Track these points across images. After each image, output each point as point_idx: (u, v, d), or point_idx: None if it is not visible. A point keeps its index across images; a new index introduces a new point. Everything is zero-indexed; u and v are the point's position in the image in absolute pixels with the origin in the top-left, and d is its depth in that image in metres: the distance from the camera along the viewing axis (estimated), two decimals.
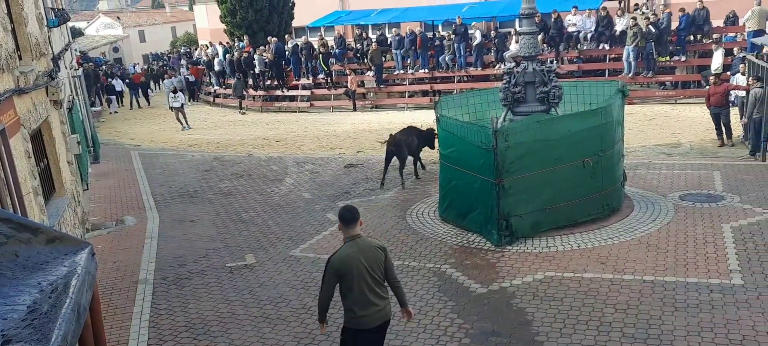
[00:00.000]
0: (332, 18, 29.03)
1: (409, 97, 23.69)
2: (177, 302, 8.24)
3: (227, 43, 30.25)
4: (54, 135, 10.29)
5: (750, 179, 11.07)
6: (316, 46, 25.60)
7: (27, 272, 2.87)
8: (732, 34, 20.21)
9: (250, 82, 26.78)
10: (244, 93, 26.19)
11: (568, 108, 10.39)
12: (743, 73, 14.51)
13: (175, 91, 24.07)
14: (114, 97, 30.92)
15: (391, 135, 12.56)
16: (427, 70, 23.45)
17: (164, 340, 7.28)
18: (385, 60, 24.68)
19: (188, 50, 38.06)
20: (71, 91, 15.80)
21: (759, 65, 12.63)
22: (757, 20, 18.25)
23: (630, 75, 19.52)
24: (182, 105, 23.75)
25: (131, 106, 30.81)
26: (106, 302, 8.11)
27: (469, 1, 26.73)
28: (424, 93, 23.34)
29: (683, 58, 19.95)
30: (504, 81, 10.22)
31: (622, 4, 24.34)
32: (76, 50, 28.38)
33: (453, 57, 22.82)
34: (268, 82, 26.60)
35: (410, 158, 12.78)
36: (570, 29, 21.55)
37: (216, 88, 29.68)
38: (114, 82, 31.85)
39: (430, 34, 24.81)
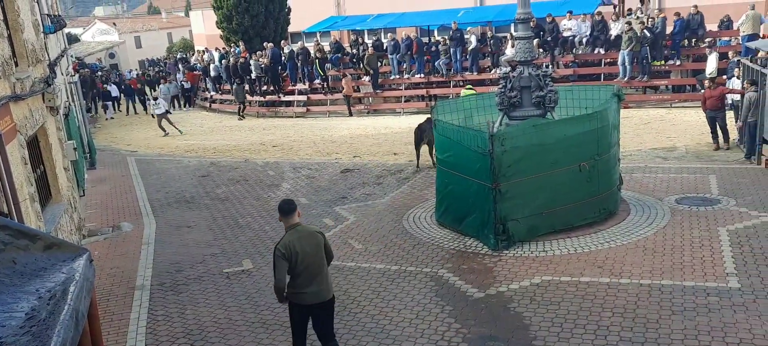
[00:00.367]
0: (328, 23, 29.09)
1: (405, 102, 23.75)
2: (174, 308, 8.22)
3: (223, 48, 30.24)
4: (50, 141, 10.27)
5: (745, 182, 11.11)
6: (312, 52, 25.63)
7: (25, 278, 2.86)
8: (726, 38, 20.30)
9: (247, 87, 26.79)
10: (245, 99, 26.21)
11: (563, 112, 10.40)
12: (738, 77, 14.58)
13: (155, 99, 24.14)
14: (110, 103, 30.94)
15: (418, 125, 14.27)
16: (422, 75, 23.51)
17: None
18: (381, 65, 24.73)
19: (184, 56, 38.01)
20: (67, 98, 15.78)
21: (753, 69, 12.70)
22: (752, 24, 18.37)
23: (625, 79, 19.61)
24: (166, 111, 23.78)
25: (127, 112, 30.80)
26: (102, 308, 8.08)
27: (464, 6, 26.80)
28: (421, 98, 23.38)
29: (678, 63, 20.05)
30: (500, 86, 10.24)
31: (617, 9, 24.45)
32: (72, 56, 28.35)
33: (448, 62, 22.87)
34: (265, 87, 26.62)
35: (425, 148, 14.21)
36: (565, 34, 21.64)
37: (212, 93, 29.68)
38: (110, 87, 31.85)
39: (425, 39, 24.88)
